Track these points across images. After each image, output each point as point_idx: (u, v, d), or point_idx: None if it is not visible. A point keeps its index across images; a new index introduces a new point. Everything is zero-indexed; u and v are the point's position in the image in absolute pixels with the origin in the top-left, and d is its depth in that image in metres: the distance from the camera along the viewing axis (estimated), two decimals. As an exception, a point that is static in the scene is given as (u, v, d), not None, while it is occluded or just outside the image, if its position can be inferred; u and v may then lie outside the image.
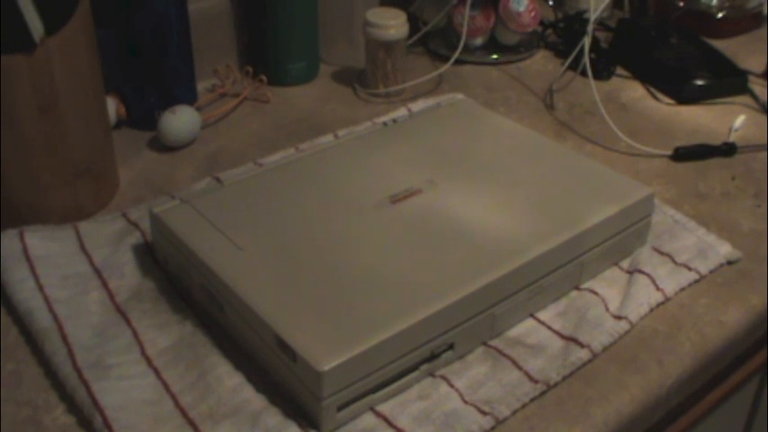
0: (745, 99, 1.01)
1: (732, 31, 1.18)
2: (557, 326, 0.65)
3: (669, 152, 0.89)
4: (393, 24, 0.95)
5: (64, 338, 0.62)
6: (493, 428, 0.57)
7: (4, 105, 0.68)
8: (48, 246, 0.71)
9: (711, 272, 0.72)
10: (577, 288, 0.69)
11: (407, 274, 0.61)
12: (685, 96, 1.00)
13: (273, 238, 0.64)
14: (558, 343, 0.64)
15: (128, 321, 0.64)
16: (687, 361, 0.64)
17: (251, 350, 0.61)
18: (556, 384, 0.61)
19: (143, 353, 0.61)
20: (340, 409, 0.56)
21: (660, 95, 1.02)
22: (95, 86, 0.76)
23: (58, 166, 0.73)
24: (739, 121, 0.95)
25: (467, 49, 1.06)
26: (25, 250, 0.70)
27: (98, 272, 0.69)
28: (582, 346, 0.63)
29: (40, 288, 0.66)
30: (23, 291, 0.66)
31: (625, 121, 0.96)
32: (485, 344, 0.64)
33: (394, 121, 0.83)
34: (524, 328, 0.65)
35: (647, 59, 1.05)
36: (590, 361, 0.63)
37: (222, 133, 0.92)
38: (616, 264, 0.72)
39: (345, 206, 0.68)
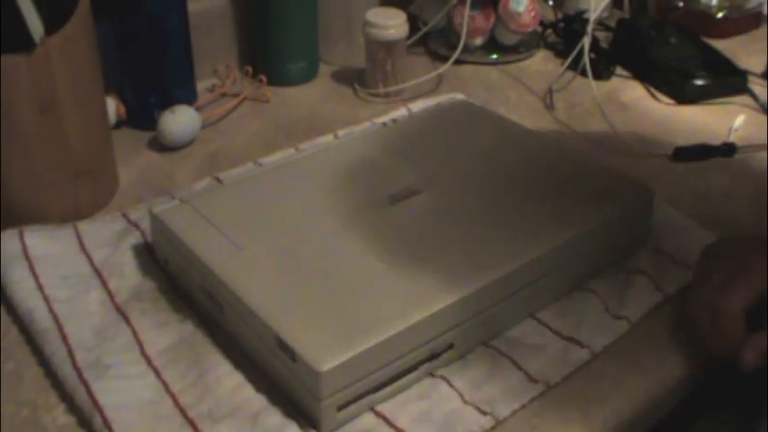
0: (745, 99, 1.01)
1: (732, 31, 1.18)
2: (557, 326, 0.65)
3: (669, 152, 0.89)
4: (393, 24, 0.95)
5: (64, 338, 0.62)
6: (493, 428, 0.57)
7: (4, 105, 0.68)
8: (48, 246, 0.71)
9: (711, 272, 0.72)
10: (577, 288, 0.69)
11: (407, 274, 0.61)
12: (685, 96, 1.00)
13: (273, 238, 0.64)
14: (558, 343, 0.64)
15: (127, 321, 0.64)
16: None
17: (251, 350, 0.61)
18: (556, 384, 0.61)
19: (143, 353, 0.61)
20: (340, 409, 0.56)
21: (660, 95, 1.02)
22: (95, 86, 0.76)
23: (58, 166, 0.73)
24: (739, 121, 0.95)
25: (467, 49, 1.06)
26: (25, 250, 0.69)
27: (98, 272, 0.69)
28: (582, 346, 0.63)
29: (40, 288, 0.66)
30: (23, 291, 0.66)
31: (625, 121, 0.96)
32: (485, 344, 0.63)
33: (394, 121, 0.83)
34: (524, 328, 0.65)
35: (647, 59, 1.05)
36: (590, 361, 0.63)
37: (222, 133, 0.92)
38: (616, 264, 0.72)
39: (345, 206, 0.68)
